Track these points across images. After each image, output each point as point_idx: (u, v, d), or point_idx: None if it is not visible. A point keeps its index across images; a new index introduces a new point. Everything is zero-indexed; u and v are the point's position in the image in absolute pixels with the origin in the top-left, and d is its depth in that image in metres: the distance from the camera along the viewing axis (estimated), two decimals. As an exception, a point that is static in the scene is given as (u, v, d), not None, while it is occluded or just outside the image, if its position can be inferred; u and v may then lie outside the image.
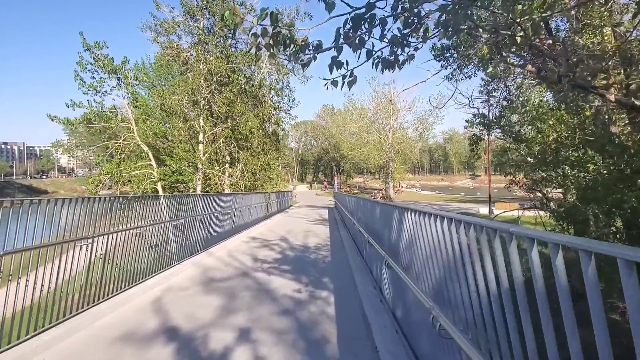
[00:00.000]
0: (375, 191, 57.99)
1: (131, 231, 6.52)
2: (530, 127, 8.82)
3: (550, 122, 6.89)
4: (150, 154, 17.63)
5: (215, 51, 16.37)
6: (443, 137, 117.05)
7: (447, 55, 14.17)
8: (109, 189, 19.90)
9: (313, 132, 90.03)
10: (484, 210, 28.87)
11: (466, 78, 14.38)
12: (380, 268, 5.77)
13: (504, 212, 11.54)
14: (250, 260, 8.90)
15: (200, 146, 16.96)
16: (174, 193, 25.20)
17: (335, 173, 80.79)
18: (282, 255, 9.70)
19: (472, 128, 14.19)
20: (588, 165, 7.83)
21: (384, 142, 43.63)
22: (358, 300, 5.64)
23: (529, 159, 8.17)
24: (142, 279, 6.80)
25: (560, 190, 11.96)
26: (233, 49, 17.62)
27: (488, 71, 10.77)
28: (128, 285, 6.34)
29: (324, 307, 5.39)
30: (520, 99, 11.87)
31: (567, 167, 8.33)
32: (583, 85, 6.43)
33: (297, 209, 29.72)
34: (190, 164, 18.78)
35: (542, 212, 11.55)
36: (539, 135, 7.06)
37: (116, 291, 5.96)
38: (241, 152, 18.41)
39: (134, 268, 6.58)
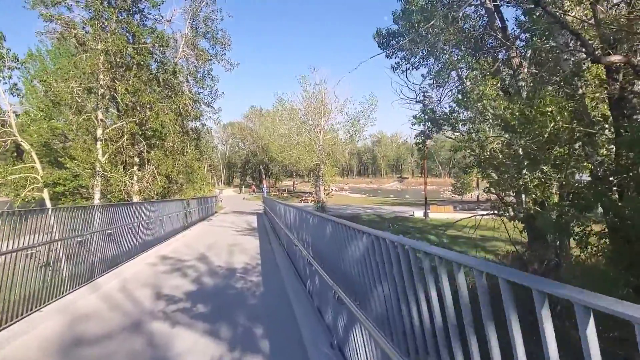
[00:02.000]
0: (306, 195, 56.40)
1: None
2: (518, 117, 7.28)
3: (549, 109, 5.30)
4: (33, 153, 14.10)
5: (117, 27, 13.32)
6: (372, 140, 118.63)
7: (393, 42, 12.61)
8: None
9: (240, 133, 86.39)
10: (418, 213, 28.21)
11: (413, 69, 12.95)
12: (342, 322, 3.71)
13: (472, 216, 10.11)
14: (151, 298, 6.42)
15: (99, 144, 13.77)
16: (76, 201, 21.41)
17: (264, 176, 78.06)
18: (198, 285, 7.29)
19: (420, 125, 12.77)
20: (585, 165, 6.45)
21: (315, 144, 41.99)
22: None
23: (520, 153, 6.62)
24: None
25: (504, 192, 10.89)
26: (141, 27, 14.64)
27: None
28: None
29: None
30: (476, 91, 10.52)
31: (550, 167, 6.93)
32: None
33: (223, 216, 26.93)
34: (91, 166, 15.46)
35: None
36: (536, 125, 5.44)
37: None
38: (152, 152, 15.39)
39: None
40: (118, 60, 13.61)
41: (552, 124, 5.42)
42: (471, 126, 11.33)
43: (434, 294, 1.62)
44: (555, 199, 8.76)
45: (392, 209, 35.94)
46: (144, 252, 10.47)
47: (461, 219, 10.28)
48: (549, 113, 5.33)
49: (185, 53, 18.79)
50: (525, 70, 10.17)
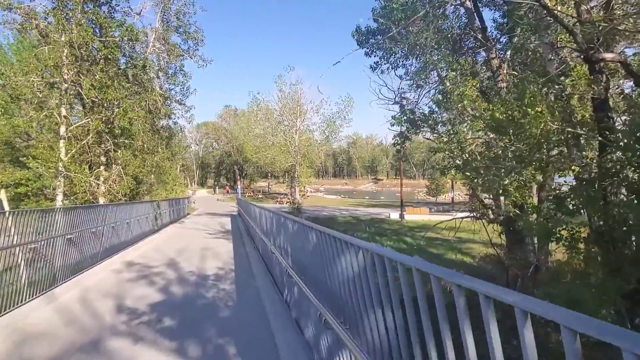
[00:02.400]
0: (281, 196, 55.81)
1: None
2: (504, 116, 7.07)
3: (539, 109, 5.09)
4: (-11, 151, 13.16)
5: (82, 18, 12.52)
6: (347, 141, 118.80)
7: (372, 41, 12.35)
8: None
9: (214, 133, 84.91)
10: (394, 215, 28.13)
11: (392, 69, 12.73)
12: (325, 342, 3.33)
13: (451, 219, 9.97)
14: (113, 310, 5.87)
15: (62, 142, 12.93)
16: (39, 202, 20.29)
17: (239, 177, 76.92)
18: (166, 295, 6.78)
19: (399, 126, 12.57)
20: (572, 167, 6.27)
21: (290, 145, 41.47)
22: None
23: (508, 154, 6.40)
24: None
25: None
26: (109, 19, 13.84)
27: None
28: None
29: None
30: (456, 92, 10.36)
31: (533, 170, 6.76)
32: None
33: (196, 218, 26.15)
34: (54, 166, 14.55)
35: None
36: (528, 127, 5.22)
37: None
38: (119, 151, 14.60)
39: None
40: (83, 53, 12.82)
41: (542, 125, 5.21)
42: (450, 127, 11.19)
43: (469, 338, 1.25)
44: (535, 201, 8.65)
45: (368, 210, 35.86)
46: (109, 257, 9.81)
47: (441, 222, 10.09)
48: (539, 113, 5.10)
49: (156, 48, 17.97)
50: (505, 71, 10.08)
